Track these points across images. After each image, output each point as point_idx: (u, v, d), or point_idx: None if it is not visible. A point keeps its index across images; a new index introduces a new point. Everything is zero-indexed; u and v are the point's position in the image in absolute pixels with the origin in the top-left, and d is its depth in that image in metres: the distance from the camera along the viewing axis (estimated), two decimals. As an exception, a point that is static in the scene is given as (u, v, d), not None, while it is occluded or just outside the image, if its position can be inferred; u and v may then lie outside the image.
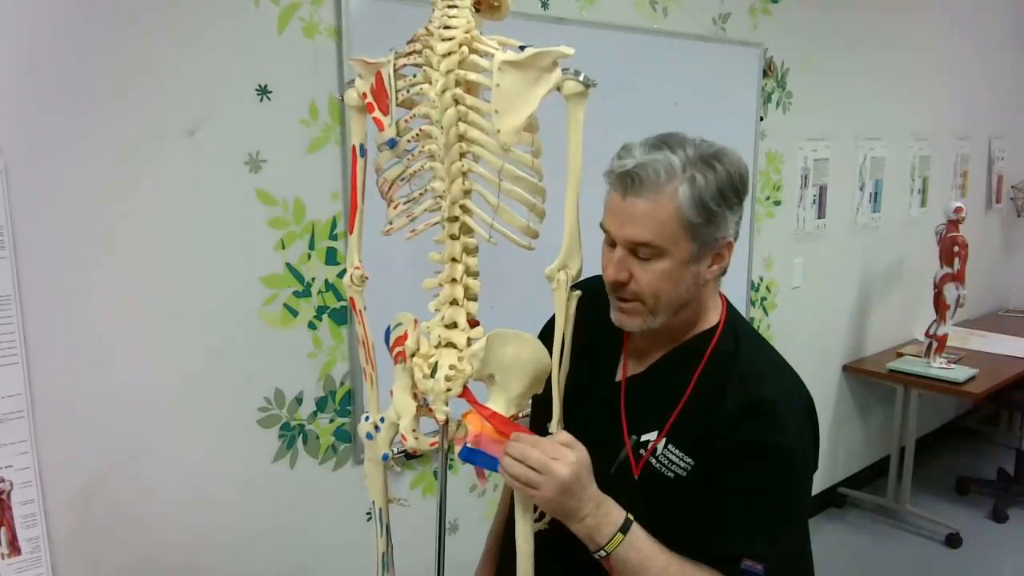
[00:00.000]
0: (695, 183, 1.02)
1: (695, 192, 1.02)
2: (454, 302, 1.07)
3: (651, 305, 1.07)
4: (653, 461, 1.10)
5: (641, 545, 1.03)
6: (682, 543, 1.06)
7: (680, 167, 1.03)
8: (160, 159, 1.63)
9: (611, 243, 1.09)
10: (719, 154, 1.06)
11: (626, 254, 1.06)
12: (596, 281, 1.12)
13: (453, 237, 1.05)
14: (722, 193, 1.04)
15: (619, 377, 1.19)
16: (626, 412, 1.15)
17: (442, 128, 1.01)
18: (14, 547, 1.53)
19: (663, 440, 1.11)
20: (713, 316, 1.16)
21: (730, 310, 1.19)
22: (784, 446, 1.07)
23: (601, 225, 1.10)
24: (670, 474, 1.09)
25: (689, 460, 1.08)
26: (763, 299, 3.18)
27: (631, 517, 1.04)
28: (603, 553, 1.02)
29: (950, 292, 3.45)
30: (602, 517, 1.02)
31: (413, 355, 1.09)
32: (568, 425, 1.07)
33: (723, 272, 1.14)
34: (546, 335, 1.08)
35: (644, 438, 1.12)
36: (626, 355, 1.20)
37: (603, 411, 1.17)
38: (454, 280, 1.06)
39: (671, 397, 1.12)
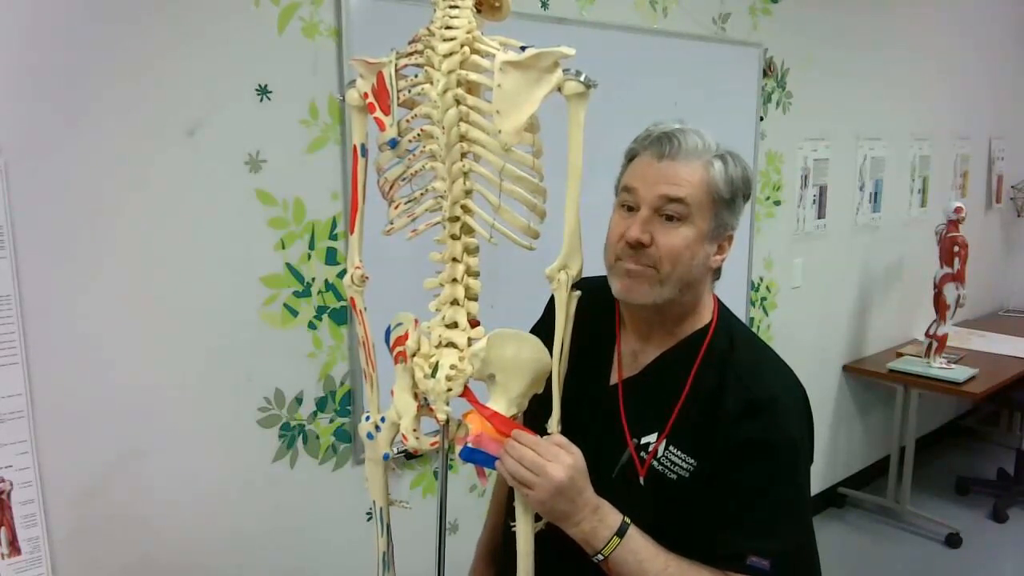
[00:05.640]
0: (726, 162, 1.08)
1: (727, 170, 1.08)
2: (455, 302, 1.07)
3: (665, 273, 1.07)
4: (655, 464, 1.10)
5: (638, 548, 1.03)
6: (687, 544, 1.06)
7: (714, 146, 1.08)
8: (160, 159, 1.63)
9: (631, 207, 1.09)
10: (735, 154, 1.11)
11: (652, 215, 1.06)
12: (592, 282, 1.11)
13: (454, 237, 1.05)
14: (743, 181, 1.10)
15: (614, 380, 1.18)
16: (625, 415, 1.15)
17: (443, 128, 1.01)
18: (14, 547, 1.53)
19: (664, 442, 1.10)
20: (705, 315, 1.17)
21: (722, 309, 1.19)
22: (787, 442, 1.07)
23: (623, 187, 1.10)
24: (673, 476, 1.09)
25: (691, 461, 1.08)
26: (763, 299, 3.18)
27: (628, 520, 1.04)
28: (600, 557, 1.02)
29: (950, 292, 3.45)
30: (598, 521, 1.02)
31: (414, 355, 1.09)
32: (565, 430, 1.07)
33: (718, 273, 1.16)
34: (536, 334, 1.08)
35: (644, 440, 1.12)
36: (620, 357, 1.20)
37: (601, 415, 1.16)
38: (455, 280, 1.06)
39: (669, 398, 1.12)
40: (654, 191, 1.06)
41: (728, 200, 1.08)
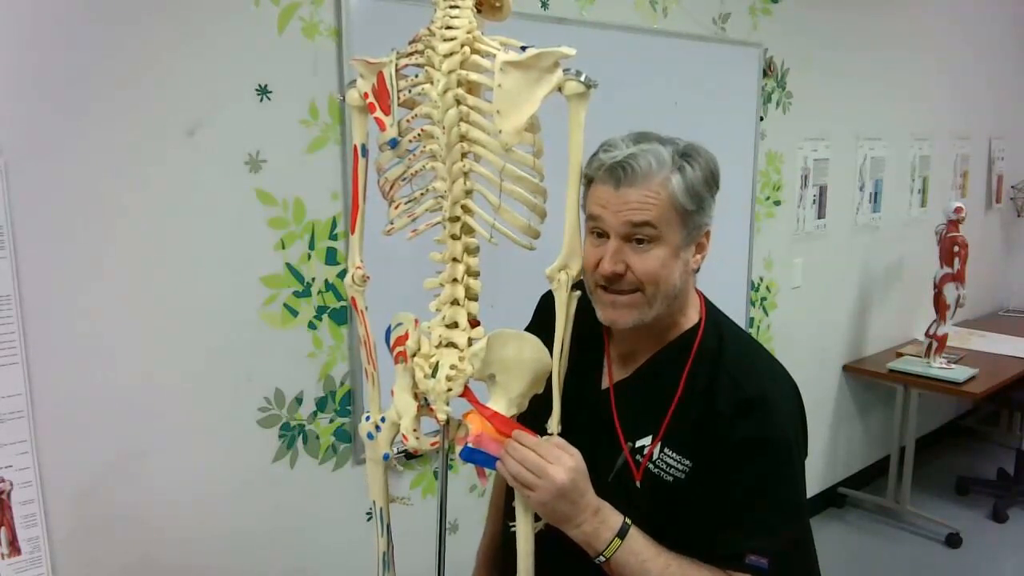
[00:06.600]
0: (685, 172, 1.05)
1: (686, 180, 1.05)
2: (455, 302, 1.07)
3: (650, 294, 1.06)
4: (651, 466, 1.10)
5: (639, 549, 1.03)
6: (686, 545, 1.06)
7: (670, 158, 1.05)
8: (160, 159, 1.63)
9: (600, 235, 1.07)
10: (696, 148, 1.09)
11: (621, 244, 1.05)
12: (578, 286, 1.10)
13: (454, 237, 1.05)
14: (706, 182, 1.08)
15: (606, 384, 1.18)
16: (619, 419, 1.14)
17: (444, 128, 1.01)
18: (14, 547, 1.53)
19: (658, 444, 1.10)
20: (693, 314, 1.16)
21: (708, 306, 1.19)
22: (782, 440, 1.07)
23: (589, 215, 1.08)
24: (669, 478, 1.09)
25: (687, 462, 1.08)
26: (763, 299, 3.18)
27: (629, 521, 1.04)
28: (602, 558, 1.03)
29: (950, 292, 3.45)
30: (599, 523, 1.02)
31: (414, 355, 1.09)
32: (561, 434, 1.06)
33: (698, 269, 1.15)
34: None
35: (639, 444, 1.12)
36: (610, 361, 1.19)
37: (594, 419, 1.16)
38: (455, 280, 1.06)
39: (661, 400, 1.12)
40: (618, 219, 1.04)
41: (694, 210, 1.06)
